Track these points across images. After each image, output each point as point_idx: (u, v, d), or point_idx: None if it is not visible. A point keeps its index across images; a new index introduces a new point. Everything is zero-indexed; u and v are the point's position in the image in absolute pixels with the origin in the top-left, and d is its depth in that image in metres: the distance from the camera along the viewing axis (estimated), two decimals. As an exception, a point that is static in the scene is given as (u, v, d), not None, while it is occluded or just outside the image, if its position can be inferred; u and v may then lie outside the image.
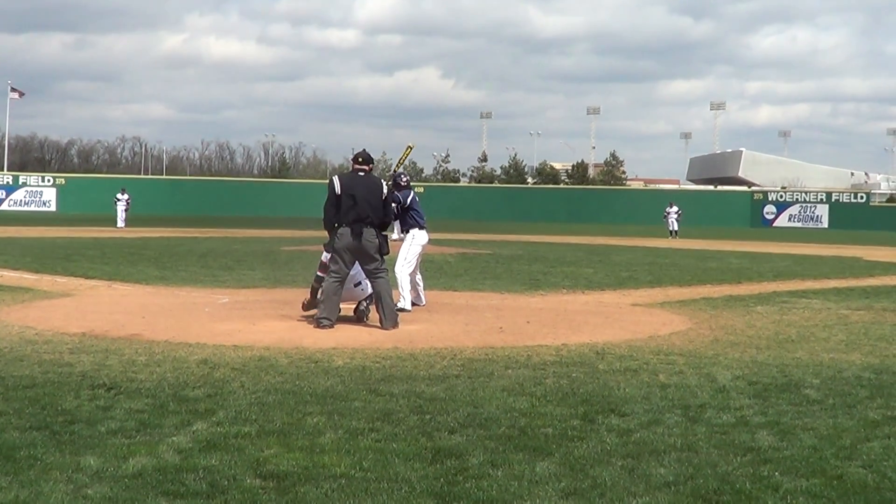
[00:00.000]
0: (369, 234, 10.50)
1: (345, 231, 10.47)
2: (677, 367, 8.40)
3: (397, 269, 12.28)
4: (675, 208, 46.50)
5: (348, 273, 10.67)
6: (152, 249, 25.34)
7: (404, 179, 13.00)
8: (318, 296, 10.87)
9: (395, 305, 11.09)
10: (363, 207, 10.48)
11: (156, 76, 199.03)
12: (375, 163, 11.65)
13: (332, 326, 10.32)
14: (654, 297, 15.13)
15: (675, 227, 45.52)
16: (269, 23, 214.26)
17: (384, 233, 10.81)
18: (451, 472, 5.05)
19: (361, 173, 10.77)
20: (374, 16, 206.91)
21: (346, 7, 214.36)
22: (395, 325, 10.48)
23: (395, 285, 11.78)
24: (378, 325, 10.60)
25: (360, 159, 10.86)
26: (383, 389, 7.16)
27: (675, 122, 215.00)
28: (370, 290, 10.88)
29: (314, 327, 10.40)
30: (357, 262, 10.72)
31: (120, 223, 42.06)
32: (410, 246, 12.54)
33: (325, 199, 10.70)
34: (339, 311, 10.67)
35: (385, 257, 10.83)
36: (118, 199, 43.91)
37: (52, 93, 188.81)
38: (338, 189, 10.55)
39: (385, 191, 10.79)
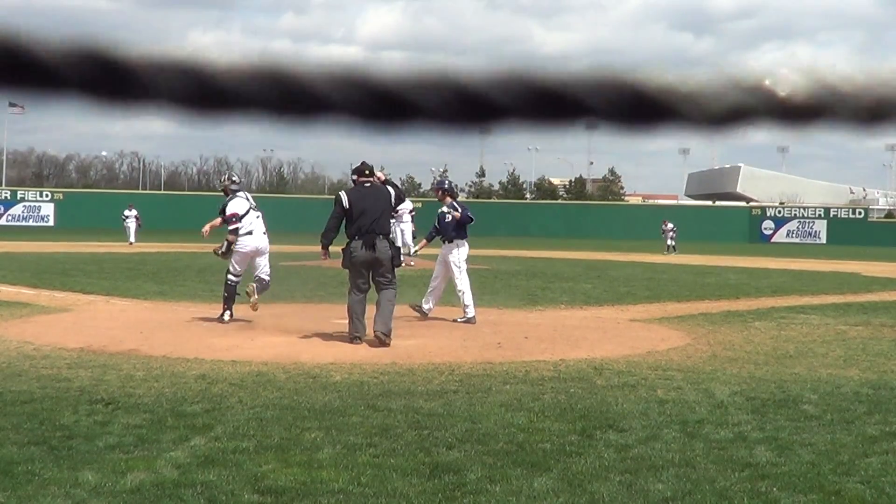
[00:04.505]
0: (382, 244, 10.51)
1: (356, 244, 10.44)
2: (675, 383, 8.39)
3: (460, 282, 13.15)
4: (670, 225, 46.49)
5: (369, 286, 10.66)
6: (150, 264, 25.32)
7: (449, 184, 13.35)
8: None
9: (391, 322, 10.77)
10: (373, 218, 10.49)
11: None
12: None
13: (361, 341, 10.33)
14: (653, 312, 15.12)
15: (671, 243, 45.51)
16: (271, 39, 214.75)
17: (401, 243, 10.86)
18: (450, 488, 5.05)
19: (367, 184, 10.81)
20: (376, 32, 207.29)
21: (349, 23, 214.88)
22: (386, 332, 10.22)
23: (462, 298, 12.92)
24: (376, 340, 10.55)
25: (366, 171, 10.88)
26: (381, 405, 7.15)
27: (673, 137, 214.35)
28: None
29: (349, 342, 10.35)
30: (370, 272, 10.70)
31: (131, 238, 40.86)
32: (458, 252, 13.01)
33: (330, 214, 10.74)
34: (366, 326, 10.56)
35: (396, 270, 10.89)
36: (126, 216, 42.64)
37: (52, 107, 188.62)
38: (346, 203, 10.54)
39: (393, 197, 10.84)
